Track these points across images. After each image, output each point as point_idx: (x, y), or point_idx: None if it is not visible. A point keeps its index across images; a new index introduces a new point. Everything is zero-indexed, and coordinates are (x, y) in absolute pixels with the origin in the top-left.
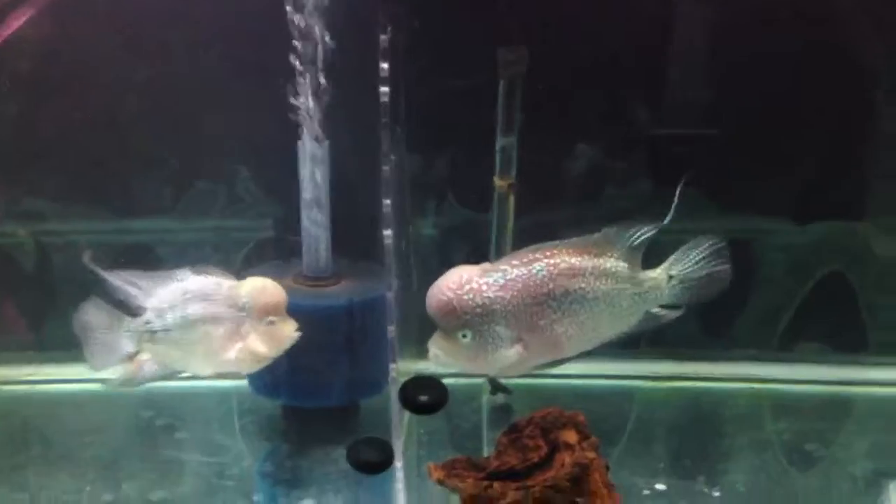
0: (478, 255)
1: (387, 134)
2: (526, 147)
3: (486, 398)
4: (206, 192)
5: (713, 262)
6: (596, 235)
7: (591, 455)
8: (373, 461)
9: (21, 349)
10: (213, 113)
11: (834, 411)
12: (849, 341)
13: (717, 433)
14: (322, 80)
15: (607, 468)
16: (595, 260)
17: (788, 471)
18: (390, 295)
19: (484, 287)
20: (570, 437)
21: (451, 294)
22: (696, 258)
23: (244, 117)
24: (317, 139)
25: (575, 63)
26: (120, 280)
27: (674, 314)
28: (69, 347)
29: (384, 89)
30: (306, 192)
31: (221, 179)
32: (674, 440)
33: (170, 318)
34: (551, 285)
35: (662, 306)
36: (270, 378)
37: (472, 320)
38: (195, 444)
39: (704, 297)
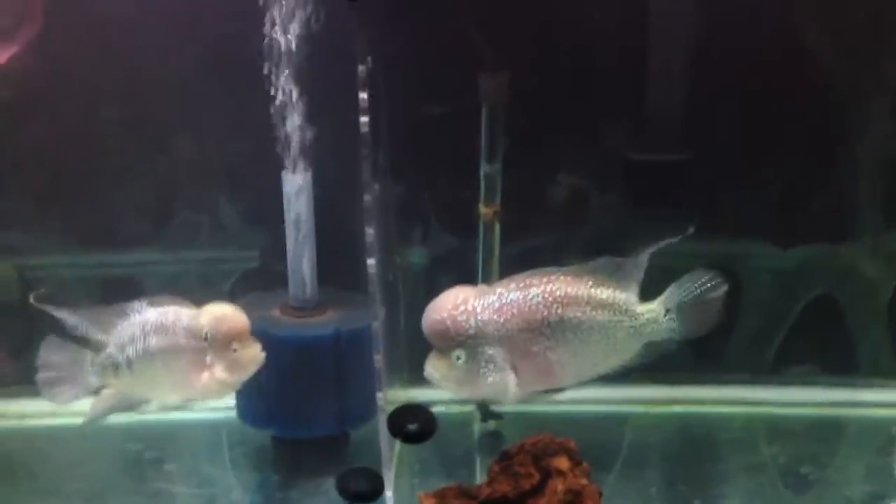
0: (465, 283)
1: (368, 163)
2: (509, 174)
3: (477, 425)
4: (189, 222)
5: (710, 296)
6: (593, 263)
7: (584, 482)
8: (362, 491)
9: (5, 384)
10: (193, 141)
11: (827, 434)
12: (839, 363)
13: (711, 458)
14: (304, 109)
15: (600, 494)
16: (592, 289)
17: (784, 494)
18: (376, 324)
19: (479, 309)
20: (562, 463)
21: (446, 314)
22: (693, 291)
23: (225, 145)
24: (299, 168)
25: (554, 88)
26: (77, 316)
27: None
28: None
29: (364, 119)
30: (290, 222)
31: (204, 210)
32: (667, 465)
33: (131, 351)
34: (546, 312)
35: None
36: (260, 408)
37: (465, 342)
38: (184, 477)
39: (700, 331)
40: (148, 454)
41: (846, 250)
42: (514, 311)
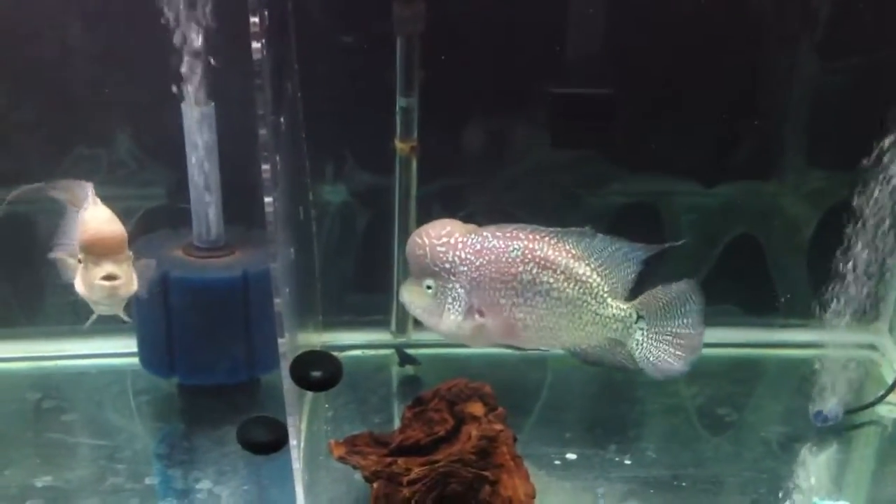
0: (382, 220)
1: (262, 95)
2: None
3: (395, 370)
4: (87, 157)
5: (687, 327)
6: (584, 237)
7: (498, 427)
8: (263, 441)
9: None
10: (92, 72)
11: (745, 374)
12: (759, 304)
13: (629, 400)
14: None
15: (515, 440)
16: (571, 260)
17: (700, 435)
18: (276, 266)
19: (460, 245)
20: (477, 409)
21: (427, 242)
22: (672, 315)
23: (124, 77)
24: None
25: (473, 19)
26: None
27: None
28: None
29: (256, 45)
30: (192, 157)
31: (102, 144)
32: (586, 408)
33: None
34: (521, 268)
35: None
36: (162, 356)
37: (439, 273)
38: (85, 427)
39: (669, 362)
40: (47, 403)
41: (769, 188)
42: (493, 257)
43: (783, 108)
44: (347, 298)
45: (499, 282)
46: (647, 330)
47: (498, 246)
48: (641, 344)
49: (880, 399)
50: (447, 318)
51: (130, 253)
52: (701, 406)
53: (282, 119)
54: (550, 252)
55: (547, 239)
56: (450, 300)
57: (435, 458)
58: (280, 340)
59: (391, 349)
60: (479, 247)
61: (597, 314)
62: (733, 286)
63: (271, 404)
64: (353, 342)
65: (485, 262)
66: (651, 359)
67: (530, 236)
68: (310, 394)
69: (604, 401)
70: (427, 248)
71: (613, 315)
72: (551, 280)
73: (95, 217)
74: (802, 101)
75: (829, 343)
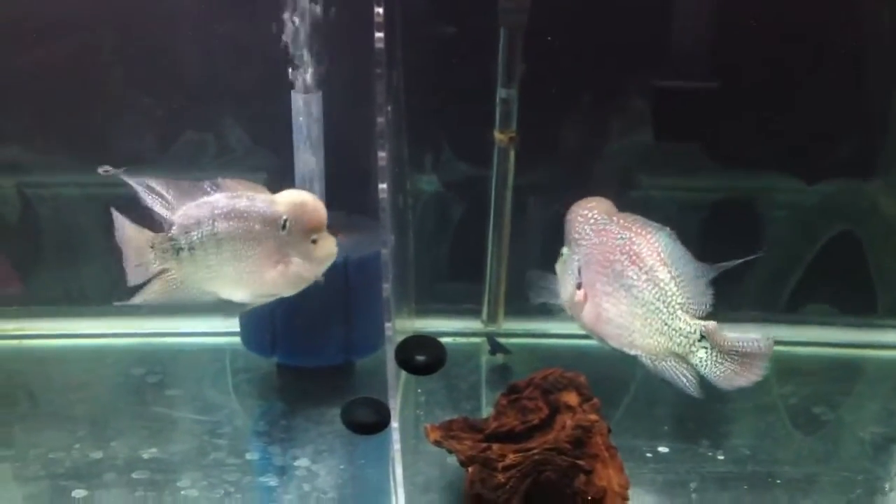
0: (478, 211)
1: (382, 84)
2: (526, 100)
3: (485, 358)
4: (195, 142)
5: (748, 359)
6: (672, 238)
7: (593, 417)
8: (368, 422)
9: (8, 304)
10: (202, 59)
11: (842, 374)
12: (857, 303)
13: (722, 396)
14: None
15: (609, 430)
16: (658, 263)
17: (794, 434)
18: (386, 251)
19: (591, 221)
20: (571, 398)
21: (573, 210)
22: (737, 344)
23: (234, 64)
24: (309, 89)
25: (577, 12)
26: (144, 190)
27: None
28: (57, 302)
29: (379, 35)
30: (299, 144)
31: (210, 129)
32: (676, 403)
33: (196, 235)
34: (616, 257)
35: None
36: (265, 335)
37: (570, 242)
38: (187, 402)
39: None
40: (150, 378)
41: (869, 187)
42: (604, 240)
43: (886, 103)
44: (440, 286)
45: (599, 265)
46: (710, 349)
47: (612, 231)
48: (705, 362)
49: None
50: (565, 286)
51: None
52: (795, 405)
53: (389, 108)
54: (645, 249)
55: (648, 236)
56: (569, 270)
57: (529, 445)
58: (387, 325)
59: (482, 337)
60: (601, 227)
61: (665, 324)
62: (831, 285)
63: (366, 388)
64: (444, 329)
65: (597, 242)
66: (718, 374)
67: (639, 229)
68: (402, 379)
69: (695, 397)
70: (570, 216)
71: (679, 329)
72: (635, 277)
73: (305, 196)
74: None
75: None
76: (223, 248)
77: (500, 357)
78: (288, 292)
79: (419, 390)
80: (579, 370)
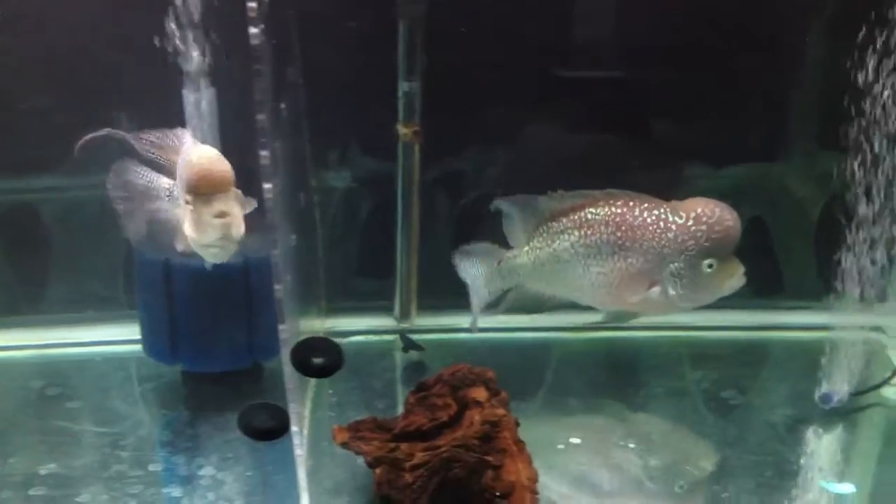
0: (387, 206)
1: (261, 80)
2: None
3: (399, 356)
4: (95, 145)
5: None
6: None
7: (501, 412)
8: (265, 428)
9: None
10: (95, 59)
11: (752, 357)
12: (765, 286)
13: (634, 383)
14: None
15: (517, 424)
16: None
17: (705, 419)
18: (276, 252)
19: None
20: (480, 394)
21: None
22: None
23: (126, 63)
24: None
25: (480, 2)
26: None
27: None
28: None
29: (254, 31)
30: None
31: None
32: (590, 393)
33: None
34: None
35: None
36: (165, 343)
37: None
38: (89, 414)
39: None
40: (51, 391)
41: (776, 171)
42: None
43: (793, 88)
44: (351, 284)
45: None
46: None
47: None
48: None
49: (886, 381)
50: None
51: (238, 191)
52: (706, 390)
53: (282, 105)
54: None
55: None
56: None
57: (438, 443)
58: (281, 327)
59: (396, 334)
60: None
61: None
62: None
63: (275, 390)
64: (357, 328)
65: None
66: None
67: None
68: (313, 380)
69: (608, 385)
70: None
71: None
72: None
73: (203, 155)
74: (812, 82)
75: (836, 325)
76: None
77: (414, 354)
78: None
79: (331, 391)
80: (494, 364)
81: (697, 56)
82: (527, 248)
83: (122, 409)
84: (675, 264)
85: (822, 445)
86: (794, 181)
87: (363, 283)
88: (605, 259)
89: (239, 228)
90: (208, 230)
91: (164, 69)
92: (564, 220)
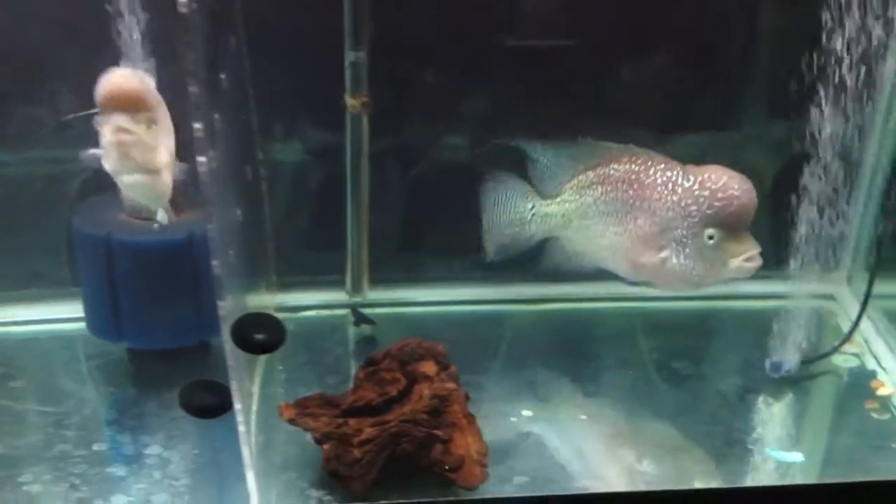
0: (337, 179)
1: (192, 52)
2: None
3: (351, 330)
4: (30, 120)
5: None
6: None
7: (450, 386)
8: (207, 405)
9: None
10: (32, 37)
11: (704, 327)
12: None
13: (586, 355)
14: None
15: (467, 398)
16: None
17: (657, 389)
18: (212, 227)
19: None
20: (429, 368)
21: None
22: None
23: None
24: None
25: None
26: None
27: None
28: None
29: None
30: None
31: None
32: (543, 365)
33: None
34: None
35: None
36: (109, 320)
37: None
38: (32, 393)
39: None
40: None
41: (729, 139)
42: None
43: (742, 55)
44: (302, 258)
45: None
46: None
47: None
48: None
49: (836, 349)
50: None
51: (164, 120)
52: (658, 360)
53: (222, 76)
54: None
55: None
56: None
57: (386, 418)
58: (220, 303)
59: (348, 309)
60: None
61: None
62: None
63: (222, 367)
64: (308, 303)
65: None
66: None
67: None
68: (263, 356)
69: (561, 357)
70: None
71: None
72: None
73: (117, 73)
74: (765, 49)
75: (788, 294)
76: None
77: (366, 328)
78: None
79: (281, 367)
80: (447, 337)
81: (647, 23)
82: (559, 198)
83: (66, 388)
84: (679, 230)
85: (771, 414)
86: (745, 150)
87: (314, 258)
88: (619, 218)
89: (149, 154)
90: (108, 150)
91: (105, 41)
92: (591, 173)
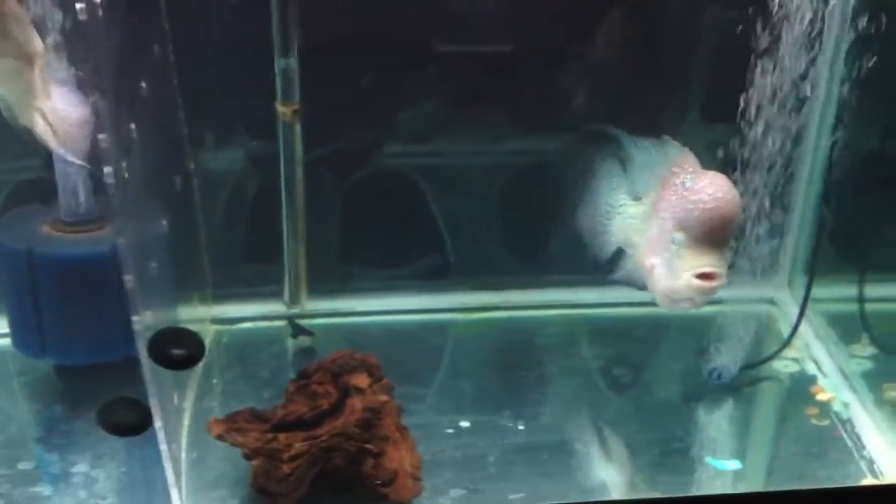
0: (272, 188)
1: (91, 62)
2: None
3: (290, 342)
4: None
5: None
6: None
7: (383, 398)
8: (125, 423)
9: None
10: None
11: (647, 334)
12: None
13: (527, 364)
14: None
15: (401, 410)
16: None
17: (598, 397)
18: (122, 241)
19: None
20: (362, 380)
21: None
22: None
23: None
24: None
25: None
26: None
27: None
28: None
29: (79, 5)
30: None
31: None
32: (484, 374)
33: None
34: None
35: None
36: (33, 335)
37: None
38: None
39: None
40: None
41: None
42: None
43: (681, 60)
44: (239, 270)
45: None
46: None
47: None
48: None
49: (775, 355)
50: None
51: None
52: (600, 368)
53: (142, 84)
54: None
55: None
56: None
57: (318, 432)
58: (134, 318)
59: (285, 320)
60: None
61: None
62: None
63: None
64: (245, 314)
65: None
66: None
67: None
68: (198, 369)
69: (503, 366)
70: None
71: None
72: None
73: None
74: (701, 53)
75: (729, 299)
76: None
77: (306, 340)
78: None
79: (216, 381)
80: (387, 347)
81: (581, 28)
82: (644, 199)
83: None
84: (660, 233)
85: (711, 422)
86: None
87: (251, 268)
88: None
89: (25, 31)
90: None
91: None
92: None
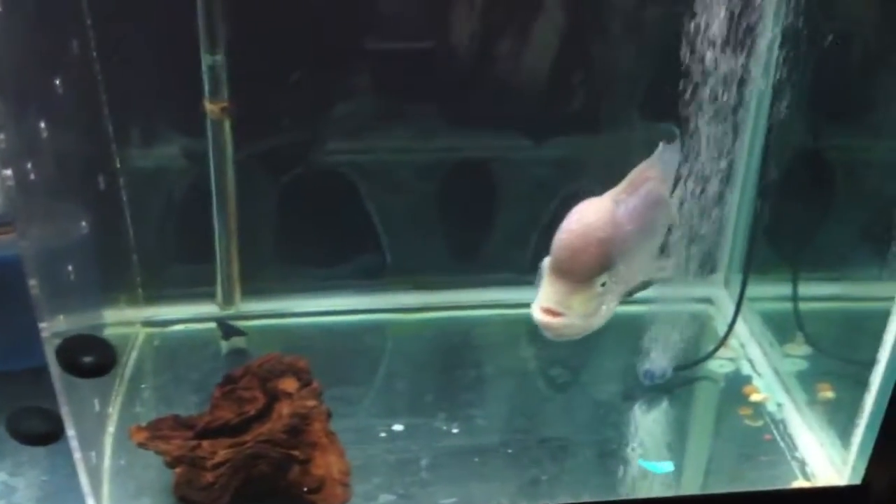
0: (202, 187)
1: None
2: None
3: (223, 345)
4: None
5: None
6: None
7: (311, 403)
8: (34, 432)
9: None
10: None
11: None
12: None
13: (463, 364)
14: None
15: (329, 416)
16: None
17: (533, 398)
18: (25, 244)
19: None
20: (290, 385)
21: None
22: None
23: None
24: None
25: None
26: None
27: None
28: None
29: None
30: None
31: None
32: (420, 376)
33: None
34: None
35: None
36: None
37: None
38: None
39: None
40: None
41: (602, 142)
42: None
43: (611, 57)
44: (170, 270)
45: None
46: None
47: None
48: None
49: (710, 354)
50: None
51: None
52: (536, 368)
53: (56, 81)
54: None
55: None
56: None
57: (243, 439)
58: (41, 325)
59: (217, 322)
60: None
61: None
62: None
63: (77, 390)
64: (177, 316)
65: None
66: None
67: None
68: (126, 374)
69: (439, 367)
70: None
71: None
72: None
73: None
74: (640, 51)
75: (665, 298)
76: None
77: (240, 341)
78: None
79: (144, 385)
80: (323, 348)
81: (517, 26)
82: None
83: None
84: None
85: (645, 423)
86: (619, 153)
87: (183, 270)
88: None
89: None
90: None
91: None
92: None
